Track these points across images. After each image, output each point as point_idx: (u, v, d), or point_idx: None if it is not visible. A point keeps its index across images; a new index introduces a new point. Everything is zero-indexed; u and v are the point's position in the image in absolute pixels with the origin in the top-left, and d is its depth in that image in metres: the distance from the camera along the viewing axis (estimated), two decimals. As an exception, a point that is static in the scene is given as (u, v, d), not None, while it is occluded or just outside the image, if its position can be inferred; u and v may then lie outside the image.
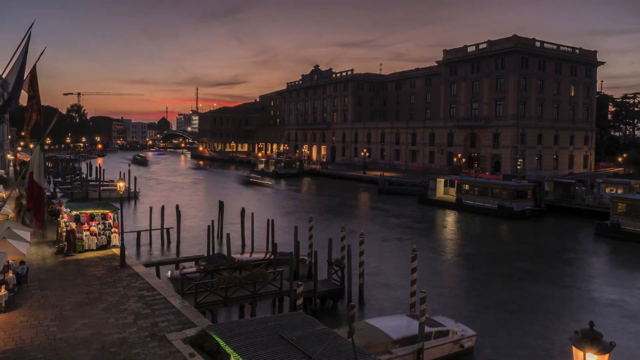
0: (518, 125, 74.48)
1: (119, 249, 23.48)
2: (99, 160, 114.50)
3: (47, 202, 31.50)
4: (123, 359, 13.15)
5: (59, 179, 69.58)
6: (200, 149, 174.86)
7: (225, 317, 21.56)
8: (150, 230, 36.01)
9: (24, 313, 16.44)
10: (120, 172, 69.56)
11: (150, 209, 38.50)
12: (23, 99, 18.13)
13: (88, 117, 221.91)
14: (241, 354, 10.74)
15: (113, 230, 26.63)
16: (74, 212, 26.00)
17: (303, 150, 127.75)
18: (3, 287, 17.08)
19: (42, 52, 17.20)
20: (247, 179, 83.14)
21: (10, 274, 18.38)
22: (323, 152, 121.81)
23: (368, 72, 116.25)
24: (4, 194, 35.19)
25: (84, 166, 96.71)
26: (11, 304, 17.10)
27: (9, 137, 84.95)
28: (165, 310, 16.89)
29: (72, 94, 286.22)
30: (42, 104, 18.36)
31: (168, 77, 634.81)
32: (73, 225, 25.28)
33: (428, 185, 61.16)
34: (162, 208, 37.80)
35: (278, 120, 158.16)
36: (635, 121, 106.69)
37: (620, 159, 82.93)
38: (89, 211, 26.53)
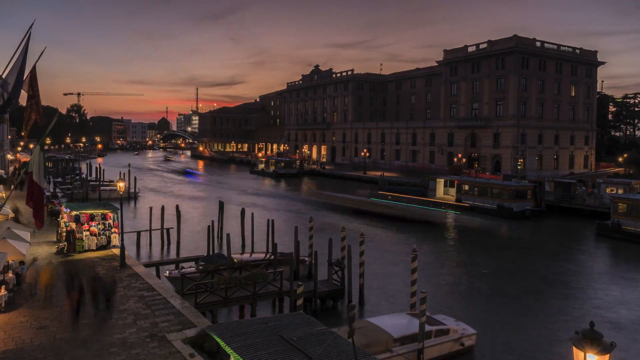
0: (518, 125, 74.42)
1: (118, 249, 23.47)
2: (99, 160, 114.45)
3: (46, 202, 31.50)
4: (123, 359, 13.14)
5: (59, 179, 69.65)
6: (200, 149, 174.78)
7: (225, 318, 21.53)
8: (150, 230, 36.00)
9: (24, 313, 16.44)
10: (120, 172, 69.53)
11: (150, 209, 38.48)
12: (23, 99, 18.16)
13: (88, 117, 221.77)
14: (241, 355, 10.72)
15: (113, 230, 26.63)
16: (74, 212, 26.00)
17: (303, 150, 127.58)
18: (3, 287, 17.08)
19: (42, 52, 17.18)
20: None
21: (10, 274, 18.38)
22: (323, 152, 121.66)
23: (368, 72, 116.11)
24: (3, 194, 35.17)
25: (83, 166, 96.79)
26: (11, 304, 17.09)
27: (9, 137, 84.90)
28: (165, 310, 16.88)
29: (72, 94, 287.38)
30: (42, 104, 18.34)
31: (167, 78, 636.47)
32: (73, 225, 25.27)
33: (428, 186, 61.17)
34: (162, 208, 37.80)
35: (278, 120, 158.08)
36: (636, 121, 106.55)
37: (620, 159, 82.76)
38: (88, 211, 26.54)
